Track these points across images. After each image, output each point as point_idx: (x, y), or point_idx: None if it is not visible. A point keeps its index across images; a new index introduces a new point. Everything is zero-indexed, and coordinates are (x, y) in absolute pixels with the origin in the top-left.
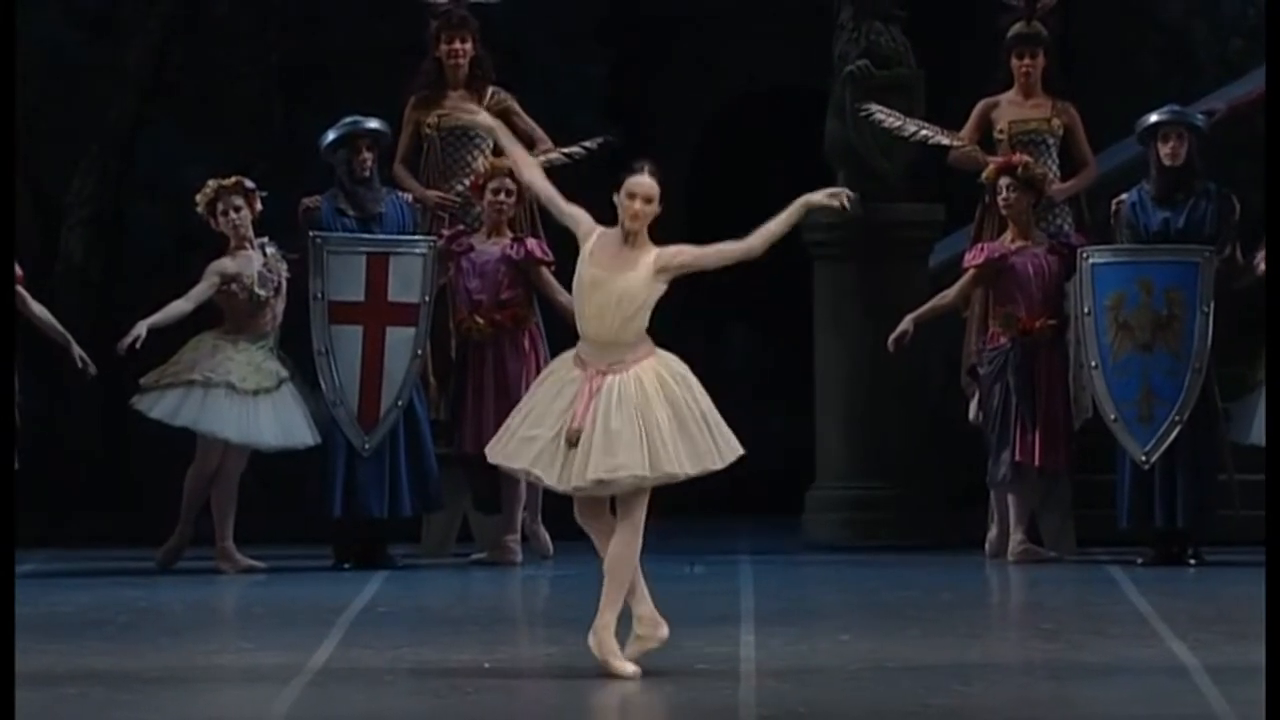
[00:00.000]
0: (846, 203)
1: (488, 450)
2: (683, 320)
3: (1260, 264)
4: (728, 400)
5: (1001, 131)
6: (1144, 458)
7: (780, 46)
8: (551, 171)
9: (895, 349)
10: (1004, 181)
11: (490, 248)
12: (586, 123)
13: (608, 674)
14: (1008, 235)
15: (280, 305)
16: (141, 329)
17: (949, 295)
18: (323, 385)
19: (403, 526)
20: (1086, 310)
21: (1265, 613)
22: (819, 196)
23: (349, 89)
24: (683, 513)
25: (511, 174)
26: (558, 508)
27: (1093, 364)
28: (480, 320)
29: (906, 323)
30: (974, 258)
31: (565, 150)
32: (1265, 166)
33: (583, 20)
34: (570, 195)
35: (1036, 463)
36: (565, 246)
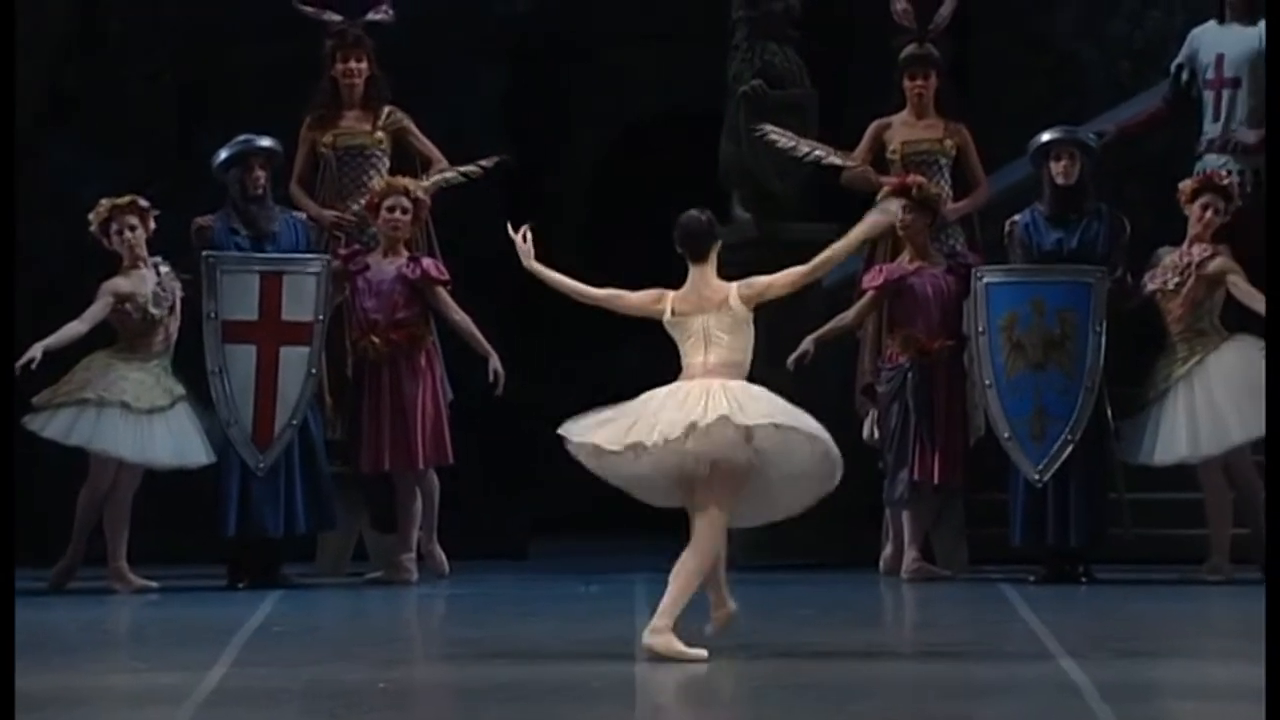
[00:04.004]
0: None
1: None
2: (575, 343)
3: (1148, 285)
4: None
5: (894, 152)
6: (1037, 476)
7: (678, 69)
8: (446, 190)
9: (795, 369)
10: (900, 203)
11: (386, 267)
12: (483, 142)
13: (680, 661)
14: (905, 256)
15: (174, 324)
16: (37, 351)
17: (848, 316)
18: (217, 404)
19: (298, 545)
20: (981, 329)
21: (1265, 623)
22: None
23: (245, 108)
24: (577, 531)
25: (407, 192)
26: (453, 527)
27: (987, 382)
28: (376, 339)
29: (807, 343)
30: (873, 279)
31: (461, 169)
32: (1265, 168)
33: (480, 40)
34: (465, 215)
35: (935, 481)
36: (461, 265)
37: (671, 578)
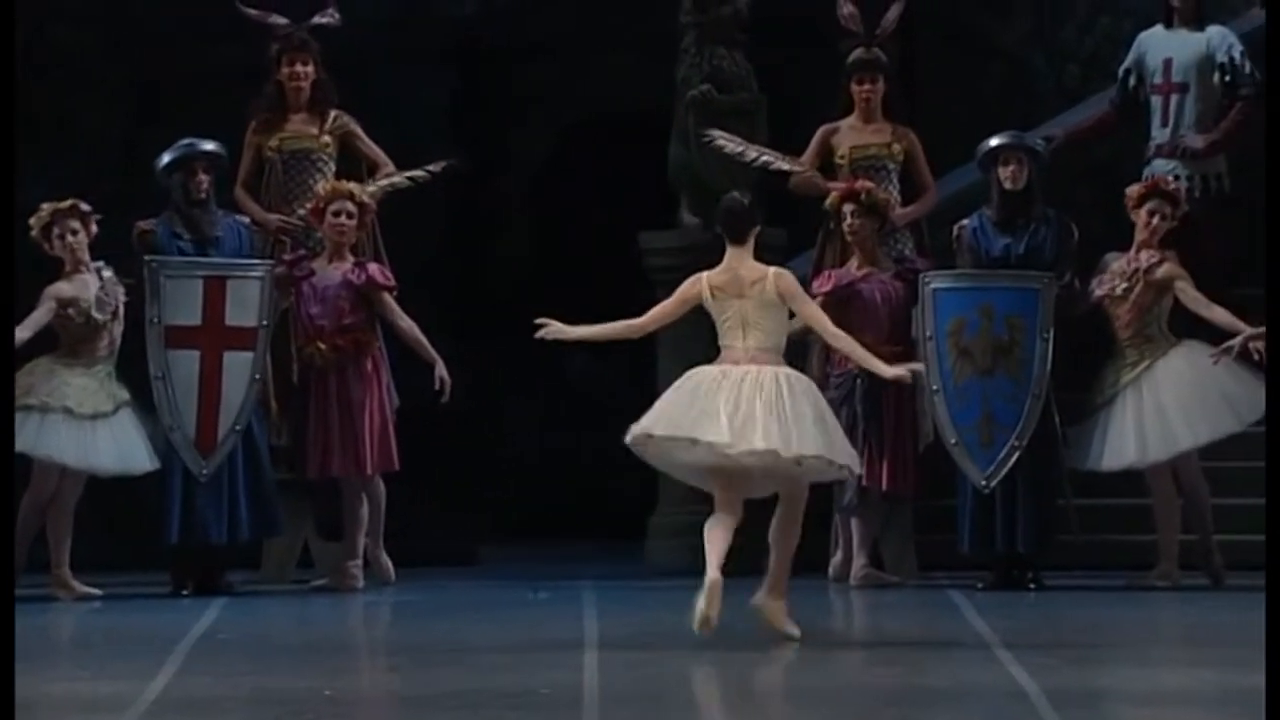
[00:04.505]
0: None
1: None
2: (522, 348)
3: (1095, 291)
4: (571, 426)
5: (842, 157)
6: (984, 482)
7: (625, 73)
8: (393, 195)
9: None
10: (848, 208)
11: (331, 272)
12: (430, 146)
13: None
14: (853, 262)
15: (117, 329)
16: None
17: (797, 323)
18: (159, 409)
19: (242, 552)
20: (928, 335)
21: (1265, 623)
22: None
23: (189, 112)
24: (525, 538)
25: (352, 197)
26: (400, 534)
27: (934, 389)
28: (322, 345)
29: None
30: (821, 285)
31: (408, 174)
32: (1266, 171)
33: (427, 44)
34: (411, 218)
35: (884, 488)
36: (406, 271)
37: (773, 547)
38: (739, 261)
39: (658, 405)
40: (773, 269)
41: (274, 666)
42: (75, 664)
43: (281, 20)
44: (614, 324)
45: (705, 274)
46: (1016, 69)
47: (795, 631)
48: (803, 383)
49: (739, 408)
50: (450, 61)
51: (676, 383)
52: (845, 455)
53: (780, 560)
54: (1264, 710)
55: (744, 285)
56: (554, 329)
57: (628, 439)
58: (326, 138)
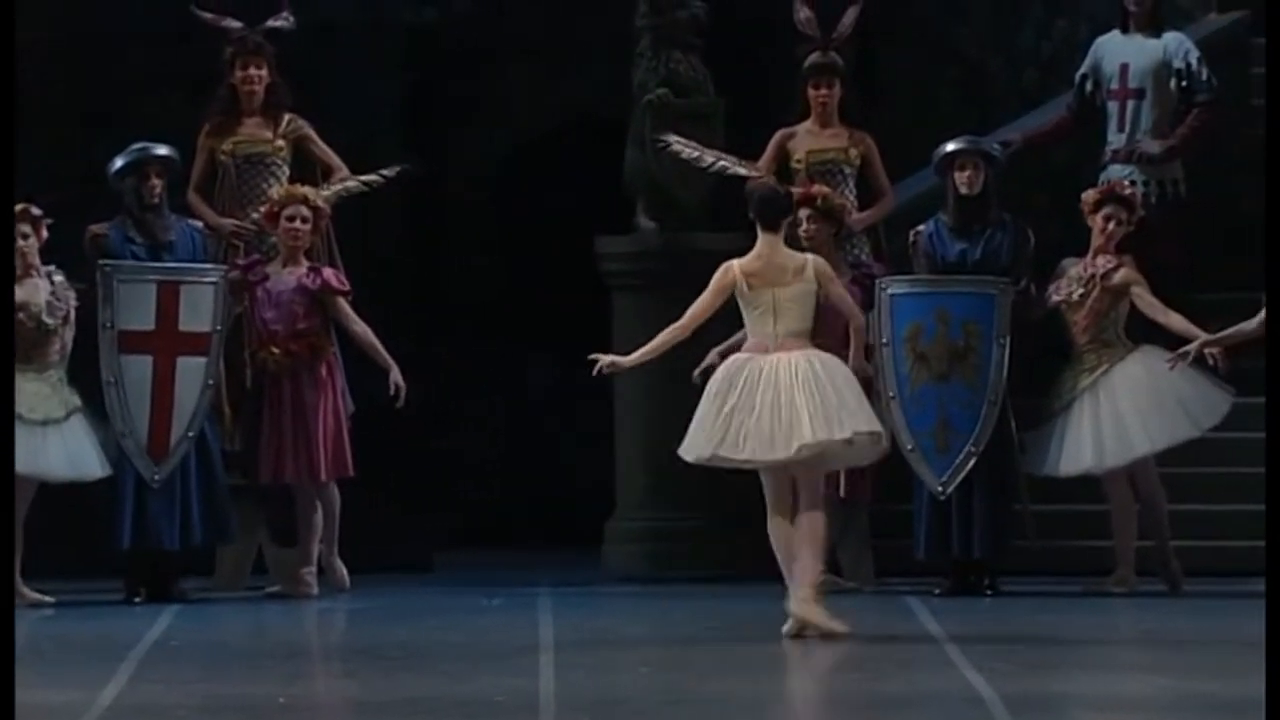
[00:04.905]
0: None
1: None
2: (485, 353)
3: (1052, 296)
4: (528, 432)
5: (799, 161)
6: (940, 488)
7: (583, 77)
8: (348, 199)
9: (701, 382)
10: (804, 212)
11: (286, 277)
12: (385, 151)
13: (827, 635)
14: None
15: (69, 334)
16: None
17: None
18: (111, 415)
19: (196, 559)
20: (884, 340)
21: (1265, 625)
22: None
23: (142, 116)
24: (481, 544)
25: (306, 201)
26: (355, 540)
27: (890, 394)
28: (276, 350)
29: (712, 356)
30: None
31: (363, 179)
32: (1265, 170)
33: (383, 48)
34: (366, 223)
35: (841, 494)
36: (362, 276)
37: (801, 545)
38: (771, 249)
39: (697, 420)
40: (810, 255)
41: (228, 673)
42: (28, 671)
43: (235, 23)
44: (660, 336)
45: (735, 262)
46: (973, 73)
47: (846, 627)
48: (833, 362)
49: (780, 406)
50: (406, 66)
51: (714, 386)
52: (882, 428)
53: (821, 553)
54: (1239, 715)
55: (783, 273)
56: (608, 360)
57: (686, 456)
58: (280, 141)
